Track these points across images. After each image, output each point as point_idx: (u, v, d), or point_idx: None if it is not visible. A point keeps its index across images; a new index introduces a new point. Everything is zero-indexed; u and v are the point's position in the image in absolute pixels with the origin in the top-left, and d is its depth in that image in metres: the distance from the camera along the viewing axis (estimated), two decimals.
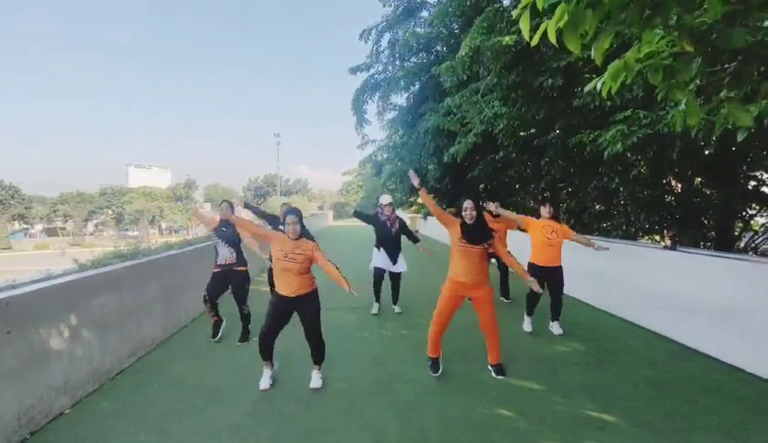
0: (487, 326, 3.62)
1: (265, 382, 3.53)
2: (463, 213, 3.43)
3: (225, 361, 4.16)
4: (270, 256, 3.60)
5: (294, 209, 3.56)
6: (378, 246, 5.66)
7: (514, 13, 1.75)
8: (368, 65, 12.74)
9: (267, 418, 3.05)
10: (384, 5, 12.09)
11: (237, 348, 4.49)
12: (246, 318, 4.73)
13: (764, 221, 7.55)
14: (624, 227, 7.24)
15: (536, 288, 3.72)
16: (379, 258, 5.64)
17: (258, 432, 2.88)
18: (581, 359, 4.10)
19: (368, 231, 5.83)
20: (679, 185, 7.17)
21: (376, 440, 2.76)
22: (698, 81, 1.78)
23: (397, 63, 12.55)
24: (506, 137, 7.45)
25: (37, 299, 2.99)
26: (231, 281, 4.68)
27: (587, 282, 6.11)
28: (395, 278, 5.78)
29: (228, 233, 4.66)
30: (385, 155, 15.27)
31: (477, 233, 3.43)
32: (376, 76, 12.98)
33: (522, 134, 7.92)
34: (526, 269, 4.89)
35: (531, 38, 1.76)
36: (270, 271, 5.55)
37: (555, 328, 4.84)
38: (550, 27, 1.66)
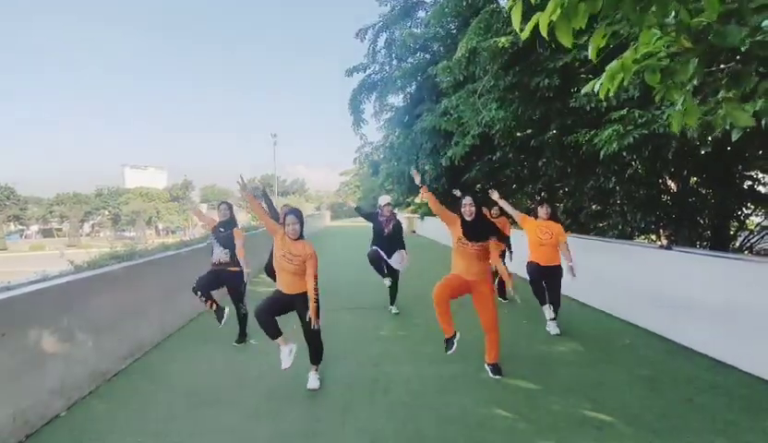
0: (488, 324, 3.62)
1: (285, 359, 3.44)
2: (462, 210, 3.46)
3: (222, 363, 4.15)
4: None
5: (295, 209, 3.57)
6: (373, 245, 5.72)
7: (507, 5, 1.75)
8: (365, 66, 12.74)
9: (263, 419, 3.05)
10: (381, 5, 12.10)
11: (235, 350, 4.48)
12: (242, 319, 4.71)
13: (760, 221, 7.59)
14: (620, 227, 7.25)
15: (511, 291, 3.62)
16: (375, 246, 5.72)
17: (255, 433, 2.88)
18: (577, 359, 4.11)
19: (367, 231, 5.85)
20: (675, 185, 7.20)
21: (372, 441, 2.76)
22: (695, 82, 1.78)
23: (394, 63, 12.57)
24: (503, 137, 7.47)
25: (32, 301, 2.98)
26: (223, 280, 4.66)
27: (583, 282, 6.10)
28: (394, 275, 5.77)
29: (224, 235, 4.65)
30: (382, 155, 15.28)
31: (477, 231, 3.45)
32: (372, 76, 12.99)
33: (518, 134, 7.94)
34: (526, 267, 4.92)
35: (521, 30, 1.75)
36: (269, 263, 5.47)
37: (552, 327, 4.84)
38: (542, 20, 1.64)
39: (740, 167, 6.58)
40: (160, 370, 3.98)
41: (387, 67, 12.80)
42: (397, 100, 13.97)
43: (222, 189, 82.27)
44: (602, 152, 5.20)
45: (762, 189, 6.96)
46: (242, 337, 4.67)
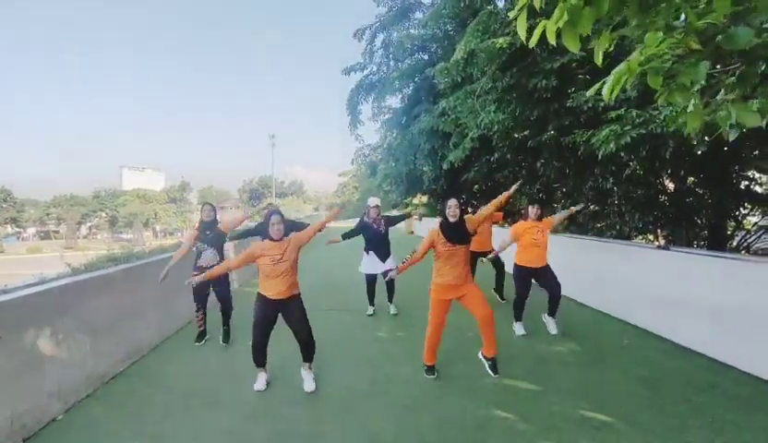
0: (485, 317, 3.53)
1: (260, 383, 3.53)
2: (447, 211, 3.49)
3: (220, 365, 4.14)
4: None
5: (278, 209, 3.60)
6: (366, 250, 5.65)
7: (511, 14, 1.75)
8: (363, 66, 12.75)
9: (262, 421, 3.04)
10: (378, 5, 12.11)
11: (231, 352, 4.47)
12: (226, 317, 4.72)
13: (756, 221, 7.62)
14: (618, 227, 7.27)
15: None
16: (368, 264, 5.64)
17: (254, 435, 2.87)
18: (575, 359, 4.11)
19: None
20: (672, 185, 7.23)
21: (371, 442, 2.75)
22: (701, 83, 1.78)
23: (391, 63, 12.58)
24: (500, 138, 7.48)
25: (29, 304, 2.96)
26: (211, 281, 4.62)
27: (581, 282, 6.14)
28: (389, 278, 5.71)
29: (212, 236, 4.64)
30: (380, 156, 15.28)
31: (458, 232, 3.50)
32: (370, 76, 13.00)
33: (516, 135, 7.95)
34: (512, 271, 4.90)
35: (527, 39, 1.76)
36: None
37: (551, 325, 4.82)
38: (549, 27, 1.66)
39: (737, 167, 6.61)
40: (157, 373, 3.97)
41: (384, 68, 12.82)
42: (395, 101, 13.99)
43: (220, 190, 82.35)
44: (599, 152, 5.21)
45: (758, 189, 7.00)
46: (226, 336, 4.69)
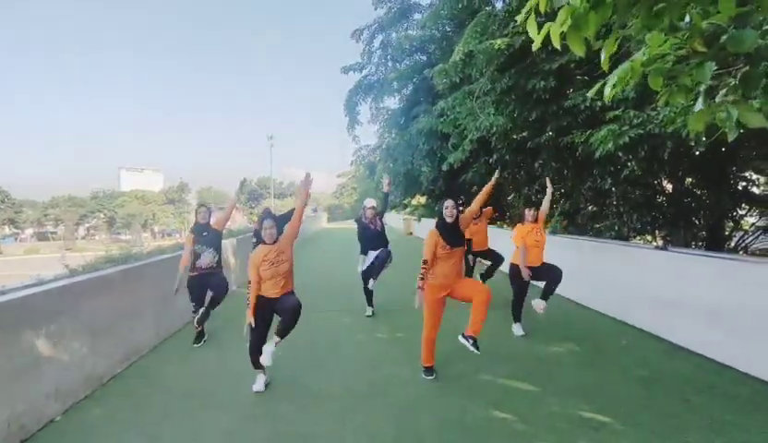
0: (481, 296, 3.40)
1: (259, 385, 3.52)
2: (444, 211, 3.52)
3: (218, 365, 4.13)
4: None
5: (269, 213, 3.61)
6: (365, 251, 5.65)
7: (519, 18, 1.75)
8: (362, 66, 12.74)
9: (261, 422, 3.03)
10: (376, 8, 12.11)
11: (230, 352, 4.45)
12: (212, 305, 4.64)
13: (754, 221, 7.64)
14: (617, 228, 7.29)
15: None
16: (367, 263, 5.64)
17: (252, 436, 2.87)
18: (574, 360, 4.11)
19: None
20: (671, 186, 7.25)
21: None
22: (705, 85, 1.78)
23: (389, 64, 12.58)
24: (499, 139, 7.49)
25: (27, 304, 2.95)
26: (211, 282, 4.65)
27: (580, 283, 6.14)
28: (381, 256, 5.52)
29: (210, 237, 4.65)
30: (378, 157, 15.27)
31: (455, 234, 3.52)
32: (369, 77, 12.99)
33: (515, 136, 7.97)
34: (508, 271, 4.90)
35: (539, 41, 1.76)
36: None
37: (539, 305, 4.60)
38: (554, 30, 1.66)
39: (734, 168, 6.63)
40: (156, 373, 3.96)
41: (383, 69, 12.81)
42: (393, 101, 13.99)
43: (218, 191, 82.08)
44: (598, 152, 5.23)
45: (755, 190, 7.02)
46: (204, 316, 4.59)
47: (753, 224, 7.60)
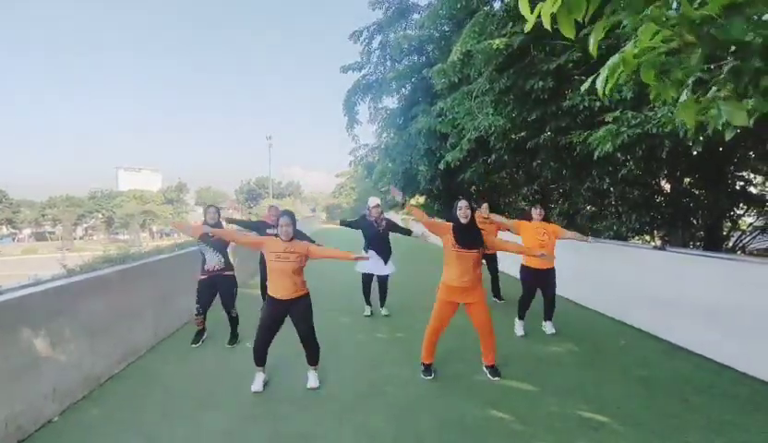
0: (483, 329, 3.60)
1: (258, 385, 3.51)
2: (458, 212, 3.41)
3: (217, 365, 4.12)
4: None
5: (288, 211, 3.56)
6: (366, 249, 5.63)
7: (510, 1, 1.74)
8: (360, 65, 12.74)
9: (260, 422, 3.02)
10: (374, 9, 12.12)
11: (229, 352, 4.45)
12: (234, 321, 4.73)
13: (752, 221, 7.66)
14: (615, 228, 7.30)
15: (539, 253, 3.77)
16: (366, 263, 5.63)
17: (252, 436, 2.86)
18: (573, 360, 4.12)
19: (359, 232, 5.83)
20: (669, 186, 7.25)
21: None
22: (693, 77, 1.77)
23: (388, 64, 12.58)
24: (498, 139, 7.49)
25: (25, 305, 2.94)
26: (219, 287, 4.63)
27: (579, 283, 6.16)
28: (382, 280, 5.78)
29: (215, 239, 4.62)
30: (377, 157, 15.27)
31: (470, 236, 3.43)
32: (367, 76, 12.99)
33: (513, 136, 7.96)
34: (519, 271, 4.93)
35: (532, 21, 1.75)
36: (262, 278, 5.58)
37: (548, 327, 4.88)
38: (544, 10, 1.65)
39: (732, 168, 6.64)
40: (154, 373, 3.95)
41: (381, 69, 12.81)
42: (392, 101, 13.98)
43: (217, 191, 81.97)
44: (596, 152, 5.23)
45: (753, 190, 7.02)
46: (234, 338, 4.69)
47: (751, 224, 7.61)
